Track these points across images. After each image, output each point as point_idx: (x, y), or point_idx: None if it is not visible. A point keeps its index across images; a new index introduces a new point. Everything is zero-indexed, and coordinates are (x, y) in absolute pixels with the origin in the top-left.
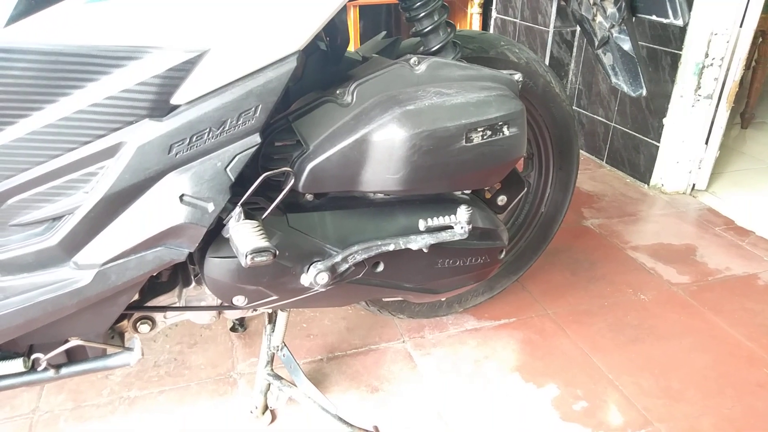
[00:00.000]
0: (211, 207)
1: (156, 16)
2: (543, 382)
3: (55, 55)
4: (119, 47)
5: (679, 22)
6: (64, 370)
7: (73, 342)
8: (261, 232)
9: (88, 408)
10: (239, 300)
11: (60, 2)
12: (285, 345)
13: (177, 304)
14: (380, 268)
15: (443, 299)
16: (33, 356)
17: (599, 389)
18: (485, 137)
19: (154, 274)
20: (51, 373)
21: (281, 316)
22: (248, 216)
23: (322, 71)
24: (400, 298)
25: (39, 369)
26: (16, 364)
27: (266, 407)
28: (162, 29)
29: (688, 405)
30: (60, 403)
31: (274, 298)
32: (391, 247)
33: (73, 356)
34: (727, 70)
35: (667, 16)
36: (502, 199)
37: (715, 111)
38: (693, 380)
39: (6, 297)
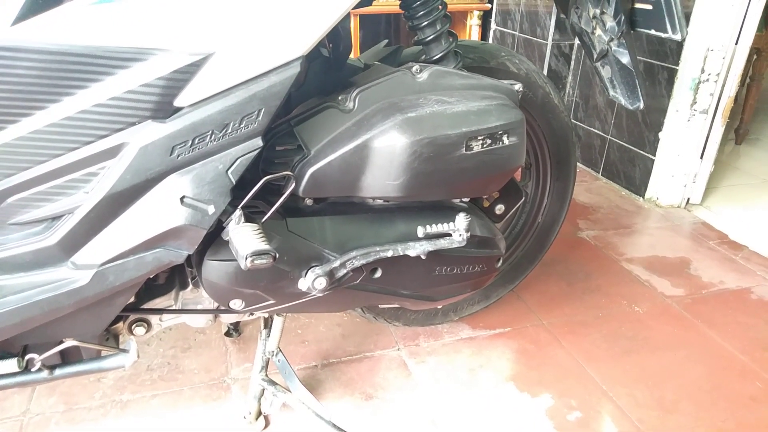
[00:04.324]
0: (211, 209)
1: (161, 18)
2: (537, 392)
3: (61, 54)
4: (124, 48)
5: (677, 37)
6: (58, 371)
7: (68, 343)
8: (261, 235)
9: (79, 411)
10: (236, 304)
11: (66, 3)
12: (280, 350)
13: (173, 307)
14: (378, 274)
15: (439, 307)
16: (27, 356)
17: (593, 400)
18: (485, 146)
19: (152, 276)
20: (45, 373)
21: (277, 321)
22: (248, 219)
23: (324, 77)
24: (396, 305)
25: (33, 369)
26: (10, 365)
27: (260, 413)
28: (167, 32)
29: (682, 417)
30: (51, 406)
31: (271, 302)
32: (390, 254)
33: (68, 357)
34: (723, 85)
35: (665, 31)
36: (499, 208)
37: (710, 126)
38: (686, 392)
39: (3, 296)
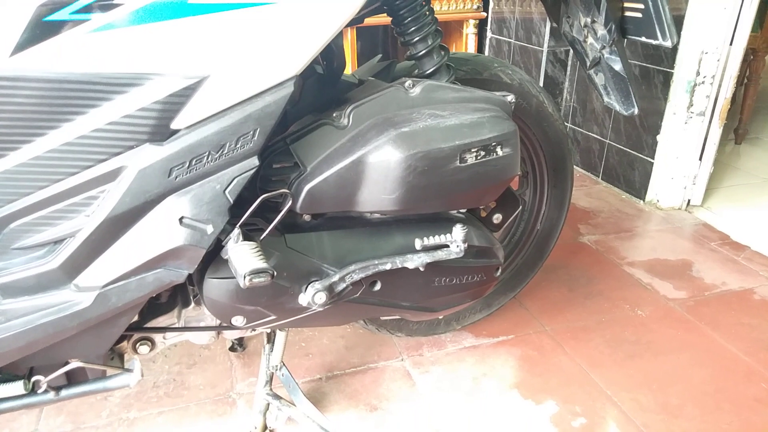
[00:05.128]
0: (210, 229)
1: (157, 43)
2: (542, 399)
3: (59, 82)
4: (121, 74)
5: (668, 44)
6: (64, 392)
7: (74, 364)
8: (259, 253)
9: (87, 430)
10: (238, 320)
11: (64, 32)
12: (284, 364)
13: (176, 325)
14: (378, 286)
15: (441, 317)
16: (33, 378)
17: (598, 405)
18: (479, 157)
19: (154, 296)
20: (51, 395)
21: (280, 336)
22: (246, 237)
23: (318, 94)
24: (398, 317)
25: (39, 391)
26: (17, 387)
27: (265, 427)
28: (163, 56)
29: (687, 421)
30: (59, 425)
31: (273, 317)
32: (388, 266)
33: (73, 378)
34: (719, 87)
35: (656, 38)
36: (497, 218)
37: (708, 127)
38: (691, 395)
39: (7, 320)
